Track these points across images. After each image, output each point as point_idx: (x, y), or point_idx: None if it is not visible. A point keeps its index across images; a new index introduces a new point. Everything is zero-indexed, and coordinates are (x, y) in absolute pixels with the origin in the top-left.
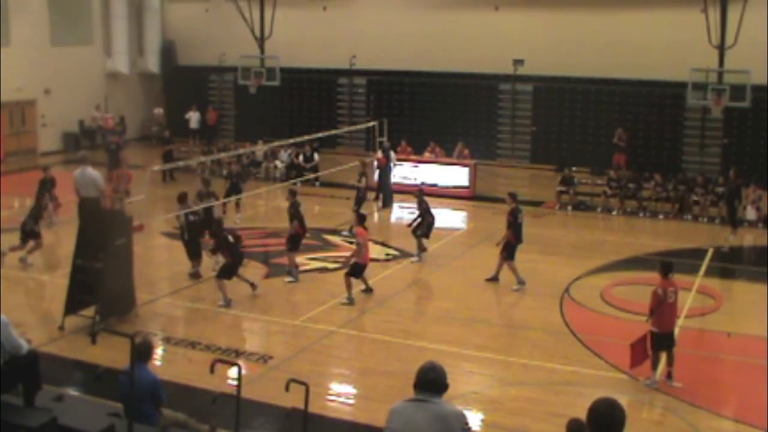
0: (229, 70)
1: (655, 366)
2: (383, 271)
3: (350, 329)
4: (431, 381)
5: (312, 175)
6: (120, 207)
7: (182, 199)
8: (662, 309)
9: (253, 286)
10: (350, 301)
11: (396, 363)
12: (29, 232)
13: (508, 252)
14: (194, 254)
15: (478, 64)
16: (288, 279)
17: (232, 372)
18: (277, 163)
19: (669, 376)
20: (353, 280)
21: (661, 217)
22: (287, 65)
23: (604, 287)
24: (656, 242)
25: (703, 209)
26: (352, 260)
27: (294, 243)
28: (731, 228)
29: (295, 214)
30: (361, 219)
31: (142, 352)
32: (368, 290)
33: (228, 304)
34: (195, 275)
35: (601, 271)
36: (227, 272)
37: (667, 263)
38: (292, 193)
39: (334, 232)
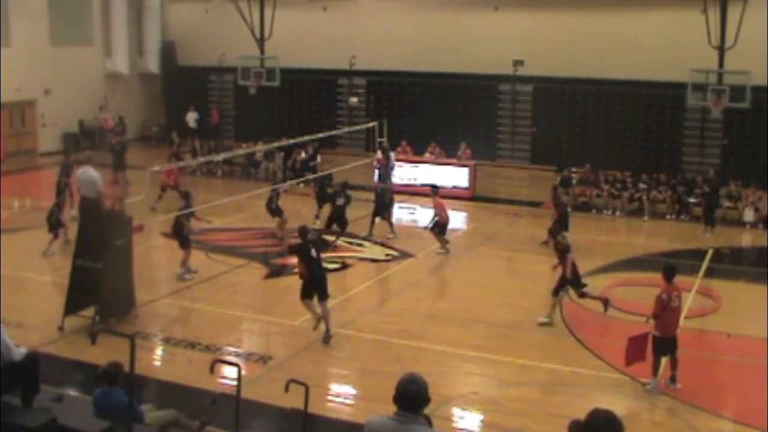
0: (229, 70)
1: (656, 371)
2: (383, 272)
3: (350, 330)
4: (413, 394)
5: (311, 176)
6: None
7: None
8: (665, 313)
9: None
10: (447, 251)
11: (395, 363)
12: (55, 223)
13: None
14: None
15: (478, 65)
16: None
17: (232, 372)
18: (270, 165)
19: (673, 379)
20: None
21: (668, 217)
22: (287, 65)
23: (604, 288)
24: (656, 243)
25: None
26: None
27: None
28: (707, 226)
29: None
30: (434, 189)
31: (111, 376)
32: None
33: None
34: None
35: (600, 271)
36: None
37: (671, 267)
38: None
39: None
